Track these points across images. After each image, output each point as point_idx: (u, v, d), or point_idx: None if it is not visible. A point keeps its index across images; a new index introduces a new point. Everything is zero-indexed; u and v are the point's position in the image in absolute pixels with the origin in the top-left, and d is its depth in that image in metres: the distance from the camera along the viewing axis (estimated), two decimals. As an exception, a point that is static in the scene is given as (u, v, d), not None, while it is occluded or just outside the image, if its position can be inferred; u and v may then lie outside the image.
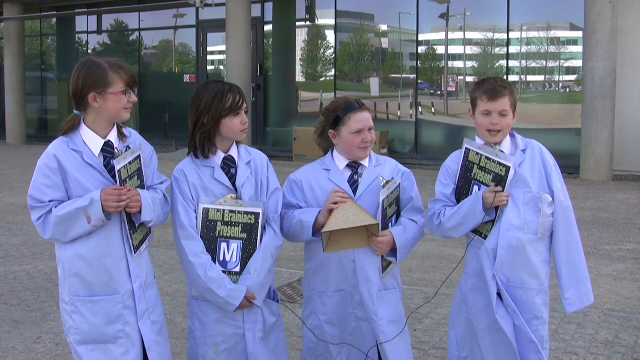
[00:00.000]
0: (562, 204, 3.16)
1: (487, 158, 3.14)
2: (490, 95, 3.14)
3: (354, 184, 3.21)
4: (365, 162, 3.25)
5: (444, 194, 3.29)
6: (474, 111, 3.22)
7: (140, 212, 2.88)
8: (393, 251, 3.18)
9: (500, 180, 3.11)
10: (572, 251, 3.19)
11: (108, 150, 2.90)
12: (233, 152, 3.13)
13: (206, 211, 3.05)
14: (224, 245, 3.07)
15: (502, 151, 3.16)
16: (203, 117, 3.03)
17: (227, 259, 3.06)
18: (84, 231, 2.83)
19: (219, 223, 3.05)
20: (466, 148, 3.23)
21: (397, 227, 3.22)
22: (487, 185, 3.15)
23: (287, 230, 3.20)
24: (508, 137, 3.23)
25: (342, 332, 3.24)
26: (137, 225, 2.95)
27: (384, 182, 3.15)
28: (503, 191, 3.11)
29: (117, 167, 2.81)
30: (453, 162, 3.31)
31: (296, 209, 3.20)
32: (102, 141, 2.90)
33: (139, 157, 2.97)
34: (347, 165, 3.23)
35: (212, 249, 3.06)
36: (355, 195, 3.16)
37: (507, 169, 3.09)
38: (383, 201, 3.10)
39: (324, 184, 3.20)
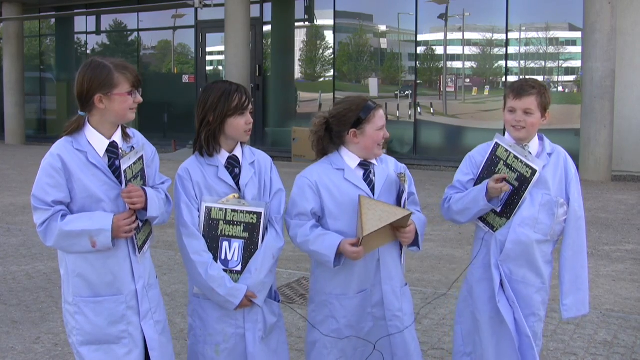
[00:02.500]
0: (576, 213, 3.26)
1: (515, 157, 3.20)
2: (516, 94, 3.24)
3: (369, 183, 3.20)
4: (374, 161, 3.25)
5: (460, 181, 3.38)
6: (505, 108, 3.32)
7: (145, 208, 2.87)
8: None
9: (524, 181, 3.17)
10: (577, 260, 3.28)
11: (112, 150, 2.90)
12: (237, 151, 3.14)
13: (209, 210, 3.05)
14: (225, 244, 3.07)
15: (530, 153, 3.21)
16: (209, 116, 3.04)
17: (229, 257, 3.07)
18: (86, 251, 2.84)
19: (221, 222, 3.06)
20: (496, 143, 3.28)
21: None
22: (510, 183, 3.20)
23: (300, 248, 3.16)
24: (536, 138, 3.31)
25: (357, 333, 3.22)
26: (141, 223, 2.95)
27: (398, 174, 3.19)
28: (524, 193, 3.17)
29: (123, 167, 2.80)
30: (479, 154, 3.38)
31: (309, 219, 3.15)
32: (107, 142, 2.89)
33: (142, 157, 2.97)
34: (359, 165, 3.22)
35: (213, 248, 3.07)
36: (374, 195, 3.17)
37: (534, 171, 3.14)
38: (406, 189, 3.16)
39: (340, 184, 3.16)
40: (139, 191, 2.85)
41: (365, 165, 3.22)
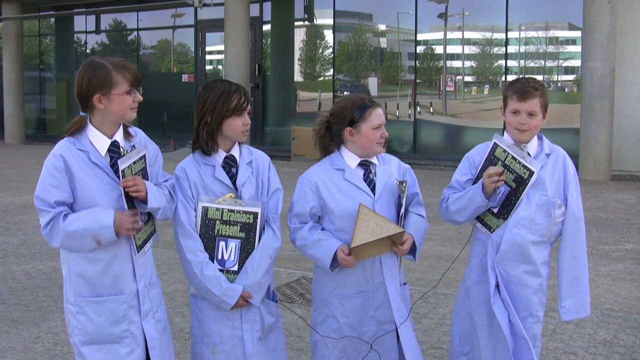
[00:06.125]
0: (575, 214, 3.21)
1: (513, 158, 3.17)
2: (520, 95, 3.18)
3: (370, 183, 3.20)
4: (375, 160, 3.25)
5: (458, 181, 3.35)
6: (505, 109, 3.26)
7: (145, 200, 2.84)
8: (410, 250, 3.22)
9: (521, 182, 3.15)
10: (577, 262, 3.24)
11: (114, 150, 2.89)
12: (235, 151, 3.14)
13: (205, 209, 3.05)
14: (222, 243, 3.07)
15: (529, 154, 3.18)
16: (207, 115, 3.04)
17: (225, 257, 3.07)
18: (92, 249, 2.83)
19: (217, 222, 3.05)
20: (494, 143, 3.26)
21: (411, 226, 3.22)
22: (507, 184, 3.18)
23: (299, 250, 3.20)
24: (535, 138, 3.27)
25: (360, 336, 3.21)
26: (145, 218, 2.93)
27: (399, 183, 3.17)
28: (521, 194, 3.14)
29: (121, 167, 2.80)
30: (477, 154, 3.35)
31: (308, 220, 3.18)
32: (109, 141, 2.89)
33: (144, 156, 2.96)
34: (359, 164, 3.22)
35: (210, 247, 3.07)
36: (374, 195, 3.16)
37: (531, 173, 3.12)
38: (403, 203, 3.14)
39: (340, 185, 3.17)
40: (140, 179, 2.84)
41: (365, 164, 3.21)
